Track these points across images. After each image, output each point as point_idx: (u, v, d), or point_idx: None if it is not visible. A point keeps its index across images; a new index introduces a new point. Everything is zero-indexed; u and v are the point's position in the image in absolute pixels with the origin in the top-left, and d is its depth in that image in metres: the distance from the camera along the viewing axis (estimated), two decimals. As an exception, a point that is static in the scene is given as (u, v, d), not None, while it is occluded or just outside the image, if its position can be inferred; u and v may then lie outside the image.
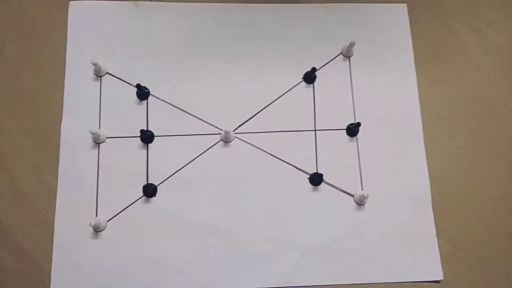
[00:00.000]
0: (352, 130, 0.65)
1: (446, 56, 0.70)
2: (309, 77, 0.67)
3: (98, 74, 0.66)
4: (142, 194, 0.62)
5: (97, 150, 0.63)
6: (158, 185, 0.63)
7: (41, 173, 0.62)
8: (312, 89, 0.67)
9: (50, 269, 0.59)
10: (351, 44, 0.66)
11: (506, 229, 0.64)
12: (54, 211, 0.61)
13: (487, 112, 0.68)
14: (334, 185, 0.64)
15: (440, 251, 0.62)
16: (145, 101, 0.66)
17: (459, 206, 0.64)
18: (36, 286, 0.59)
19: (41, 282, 0.59)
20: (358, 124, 0.64)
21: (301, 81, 0.68)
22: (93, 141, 0.63)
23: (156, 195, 0.62)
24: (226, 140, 0.64)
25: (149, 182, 0.63)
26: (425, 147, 0.66)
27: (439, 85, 0.69)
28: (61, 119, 0.64)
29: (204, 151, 0.64)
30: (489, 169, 0.66)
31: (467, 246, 0.63)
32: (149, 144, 0.64)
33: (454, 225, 0.64)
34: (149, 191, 0.62)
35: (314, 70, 0.66)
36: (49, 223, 0.60)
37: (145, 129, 0.64)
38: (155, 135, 0.64)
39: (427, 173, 0.65)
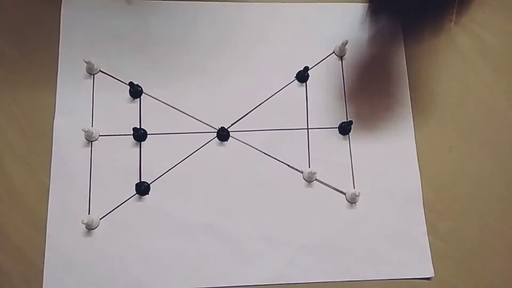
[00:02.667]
0: (344, 128, 0.66)
1: (438, 56, 0.70)
2: (302, 76, 0.67)
3: (91, 72, 0.66)
4: (135, 192, 0.62)
5: (89, 148, 0.63)
6: (151, 183, 0.63)
7: (33, 171, 0.62)
8: (304, 88, 0.68)
9: (43, 267, 0.59)
10: (344, 44, 0.66)
11: (497, 227, 0.65)
12: (47, 208, 0.61)
13: (479, 112, 0.69)
14: (326, 183, 0.64)
15: (431, 248, 0.63)
16: (138, 99, 0.66)
17: (450, 204, 0.65)
18: (28, 284, 0.59)
19: (34, 280, 0.59)
20: (350, 123, 0.65)
21: (294, 80, 0.68)
22: (86, 139, 0.63)
23: (149, 193, 0.62)
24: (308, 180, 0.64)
25: (142, 180, 0.63)
26: (417, 146, 0.66)
27: (431, 85, 0.69)
28: (54, 117, 0.64)
29: (197, 149, 0.64)
30: (480, 168, 0.66)
31: (458, 244, 0.64)
32: (142, 142, 0.64)
33: (445, 223, 0.64)
34: (142, 189, 0.62)
35: (306, 69, 0.66)
36: (42, 220, 0.60)
37: (138, 127, 0.64)
38: (148, 133, 0.64)
39: (418, 172, 0.65)
